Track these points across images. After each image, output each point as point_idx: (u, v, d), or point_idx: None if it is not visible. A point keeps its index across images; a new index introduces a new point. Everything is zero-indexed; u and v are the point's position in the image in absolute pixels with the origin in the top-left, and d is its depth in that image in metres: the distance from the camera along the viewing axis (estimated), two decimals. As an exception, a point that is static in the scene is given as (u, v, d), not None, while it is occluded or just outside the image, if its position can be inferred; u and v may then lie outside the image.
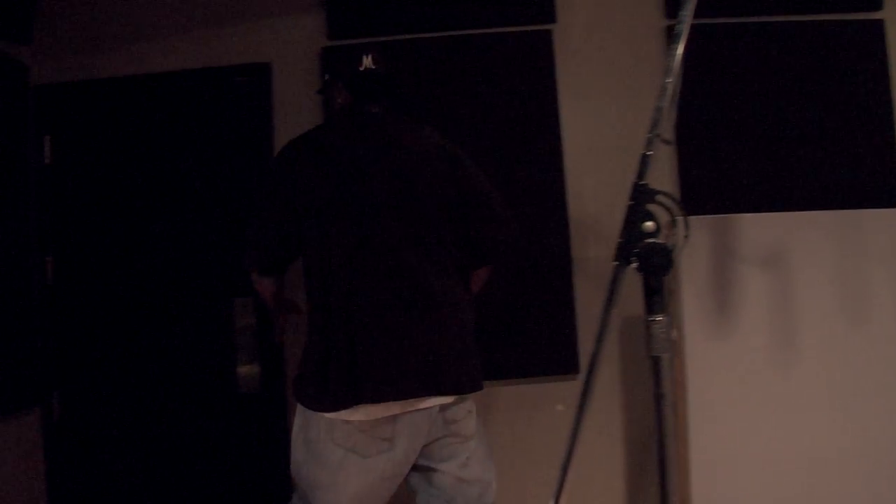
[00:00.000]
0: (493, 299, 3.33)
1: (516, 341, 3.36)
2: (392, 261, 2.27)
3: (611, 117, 3.48)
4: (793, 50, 3.44)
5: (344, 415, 2.17)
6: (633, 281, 1.92)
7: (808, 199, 3.35)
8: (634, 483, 3.42)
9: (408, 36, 3.46)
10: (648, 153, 1.88)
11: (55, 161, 3.50)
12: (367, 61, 2.50)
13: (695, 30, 2.00)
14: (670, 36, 3.36)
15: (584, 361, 3.35)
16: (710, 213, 3.14)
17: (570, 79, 3.48)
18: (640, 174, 1.88)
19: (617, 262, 1.87)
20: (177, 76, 3.50)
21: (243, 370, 3.38)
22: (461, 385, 2.29)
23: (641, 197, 1.86)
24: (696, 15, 2.00)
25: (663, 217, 1.90)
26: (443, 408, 2.31)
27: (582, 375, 3.28)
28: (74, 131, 3.53)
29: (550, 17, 3.49)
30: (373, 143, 2.38)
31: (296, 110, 3.46)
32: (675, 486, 1.94)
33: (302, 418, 2.33)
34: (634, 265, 1.85)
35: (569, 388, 3.37)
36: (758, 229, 3.09)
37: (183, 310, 3.43)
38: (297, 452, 2.33)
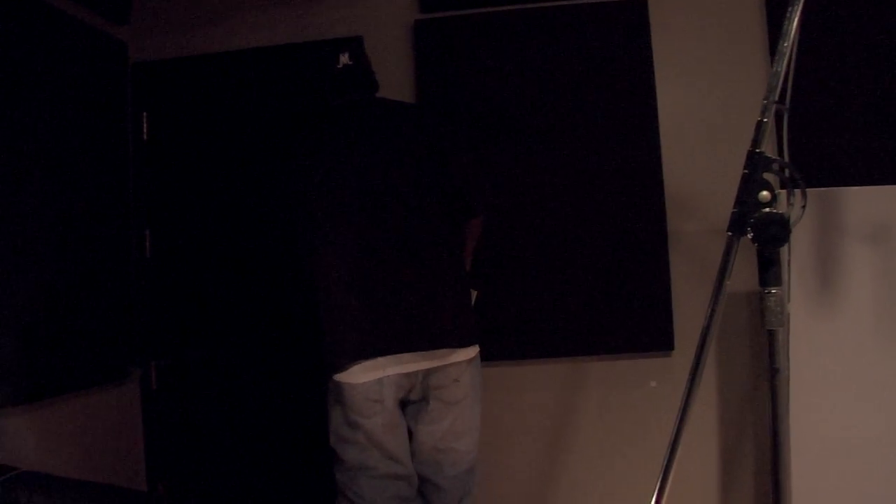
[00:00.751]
0: (587, 274, 3.31)
1: (610, 317, 3.32)
2: (381, 226, 2.50)
3: (707, 89, 3.40)
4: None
5: (342, 377, 2.44)
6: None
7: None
8: (728, 463, 3.35)
9: (500, 8, 3.43)
10: (764, 120, 1.80)
11: (152, 137, 3.58)
12: (344, 59, 2.72)
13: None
14: (770, 4, 3.30)
15: (678, 338, 3.31)
16: (815, 186, 3.03)
17: (666, 50, 3.40)
18: (756, 142, 1.80)
19: (730, 233, 1.80)
20: (269, 51, 3.54)
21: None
22: (436, 341, 2.49)
23: (757, 165, 1.79)
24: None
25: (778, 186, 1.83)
26: (427, 373, 2.50)
27: (677, 352, 3.30)
28: (171, 107, 3.61)
29: (645, -14, 3.40)
30: (357, 125, 2.64)
31: (387, 83, 3.45)
32: (787, 465, 1.87)
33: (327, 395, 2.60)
34: (749, 236, 1.78)
35: (662, 365, 3.35)
36: (865, 203, 2.93)
37: (277, 284, 3.47)
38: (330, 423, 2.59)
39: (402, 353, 2.46)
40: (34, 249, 2.88)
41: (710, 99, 3.39)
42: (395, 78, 3.44)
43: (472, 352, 2.61)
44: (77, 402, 3.11)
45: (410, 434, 2.61)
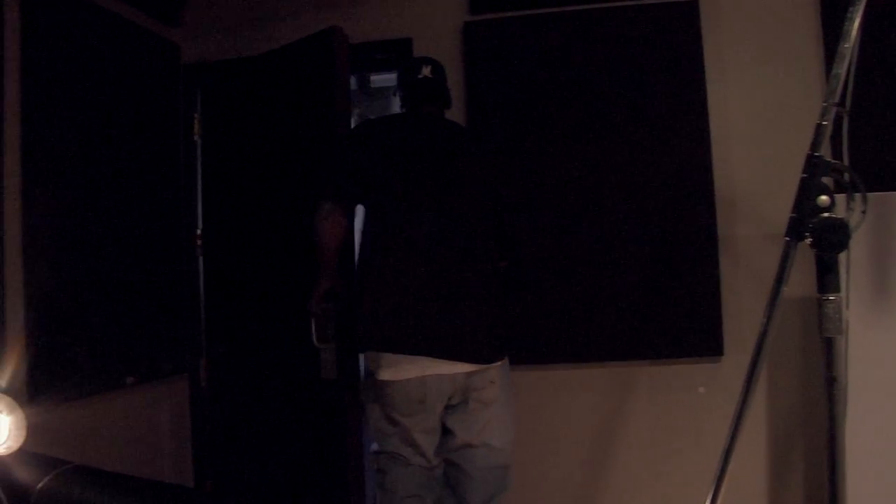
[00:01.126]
0: (636, 278, 3.28)
1: (659, 322, 3.28)
2: (434, 242, 2.59)
3: (759, 90, 3.35)
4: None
5: (385, 374, 2.53)
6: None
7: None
8: (778, 472, 3.29)
9: (550, 10, 3.41)
10: (824, 123, 1.76)
11: (204, 137, 3.62)
12: (426, 71, 2.89)
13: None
14: (824, 4, 3.24)
15: (728, 344, 3.26)
16: (875, 191, 2.95)
17: (717, 51, 3.36)
18: (815, 145, 1.76)
19: (788, 238, 1.76)
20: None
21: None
22: (478, 357, 2.59)
23: (816, 169, 1.75)
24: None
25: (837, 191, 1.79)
26: (467, 376, 2.58)
27: (726, 358, 3.25)
28: (221, 108, 3.64)
29: (696, -13, 3.35)
30: (428, 135, 2.77)
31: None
32: (843, 475, 1.83)
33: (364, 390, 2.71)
34: (808, 241, 1.74)
35: (710, 371, 3.31)
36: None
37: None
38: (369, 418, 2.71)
39: (445, 359, 2.54)
40: (96, 249, 2.97)
41: (761, 100, 3.34)
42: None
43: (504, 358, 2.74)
44: (127, 398, 3.16)
45: (446, 430, 2.70)
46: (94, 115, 3.00)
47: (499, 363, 2.67)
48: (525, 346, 3.32)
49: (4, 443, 1.76)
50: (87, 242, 2.93)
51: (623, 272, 3.29)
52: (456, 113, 3.43)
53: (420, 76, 2.89)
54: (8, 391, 1.84)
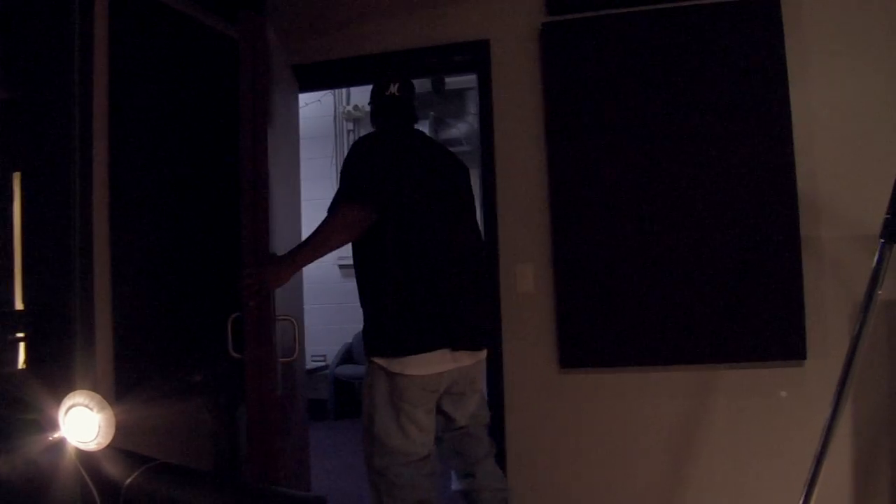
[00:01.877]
0: (717, 279, 3.23)
1: (740, 324, 3.22)
2: (454, 242, 2.79)
3: (845, 86, 3.26)
4: None
5: (410, 369, 2.65)
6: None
7: None
8: (862, 478, 3.20)
9: (627, 9, 3.38)
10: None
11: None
12: (394, 89, 3.02)
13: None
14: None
15: (811, 347, 3.19)
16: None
17: (800, 47, 3.28)
18: (911, 144, 1.71)
19: (883, 240, 1.71)
20: (397, 56, 3.59)
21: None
22: (489, 343, 3.05)
23: (912, 170, 1.70)
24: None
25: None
26: (470, 368, 2.83)
27: (808, 361, 3.18)
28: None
29: (778, -16, 3.29)
30: (426, 151, 2.97)
31: (515, 85, 3.47)
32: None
33: (370, 378, 2.76)
34: (903, 243, 1.69)
35: (792, 374, 3.24)
36: None
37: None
38: (370, 409, 2.75)
39: (465, 350, 2.75)
40: (173, 261, 3.10)
41: (846, 97, 3.25)
42: (522, 81, 3.45)
43: None
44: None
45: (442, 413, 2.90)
46: (164, 111, 3.09)
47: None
48: (605, 348, 3.30)
49: (95, 439, 1.81)
50: (166, 254, 3.06)
51: (704, 274, 3.24)
52: (533, 114, 3.43)
53: (388, 93, 3.02)
54: (97, 390, 1.89)
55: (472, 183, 3.09)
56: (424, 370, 2.67)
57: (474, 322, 2.80)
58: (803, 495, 1.80)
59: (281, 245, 3.02)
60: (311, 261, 2.77)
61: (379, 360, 2.68)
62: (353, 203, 2.68)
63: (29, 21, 2.64)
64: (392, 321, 2.66)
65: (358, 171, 2.76)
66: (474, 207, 3.04)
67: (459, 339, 2.72)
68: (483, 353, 2.91)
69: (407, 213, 2.71)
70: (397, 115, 3.01)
